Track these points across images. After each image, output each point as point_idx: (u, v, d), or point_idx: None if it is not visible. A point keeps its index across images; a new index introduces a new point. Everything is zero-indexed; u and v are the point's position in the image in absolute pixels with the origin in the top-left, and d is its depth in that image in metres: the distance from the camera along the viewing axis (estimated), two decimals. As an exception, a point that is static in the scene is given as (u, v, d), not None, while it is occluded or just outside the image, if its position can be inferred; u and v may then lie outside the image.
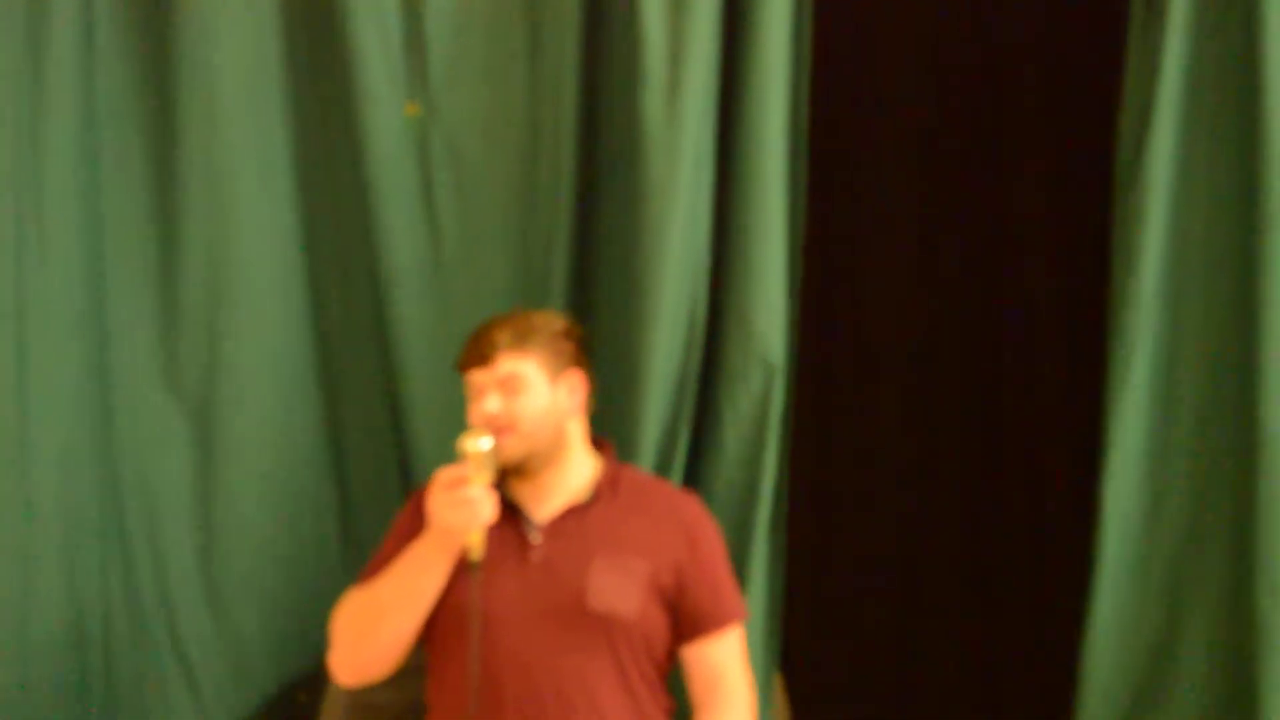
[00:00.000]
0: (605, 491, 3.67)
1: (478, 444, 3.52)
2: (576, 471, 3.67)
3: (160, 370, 5.95)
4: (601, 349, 5.81)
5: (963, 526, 7.57)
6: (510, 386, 3.61)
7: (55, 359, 5.82)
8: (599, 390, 5.82)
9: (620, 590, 3.60)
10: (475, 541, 3.50)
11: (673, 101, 5.46)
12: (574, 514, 3.63)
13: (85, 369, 5.88)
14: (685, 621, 3.69)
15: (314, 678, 5.92)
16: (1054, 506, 7.34)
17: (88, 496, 5.88)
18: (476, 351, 3.65)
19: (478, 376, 3.61)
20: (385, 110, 5.81)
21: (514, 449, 3.58)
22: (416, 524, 3.62)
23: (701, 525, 3.74)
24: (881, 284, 7.55)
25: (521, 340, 3.64)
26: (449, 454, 5.88)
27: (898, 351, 7.58)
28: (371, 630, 3.58)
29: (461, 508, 3.50)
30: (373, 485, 6.02)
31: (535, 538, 3.60)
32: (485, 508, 3.51)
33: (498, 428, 3.59)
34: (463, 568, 3.54)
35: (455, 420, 5.88)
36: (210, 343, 5.94)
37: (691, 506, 3.75)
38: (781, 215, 5.56)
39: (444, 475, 3.52)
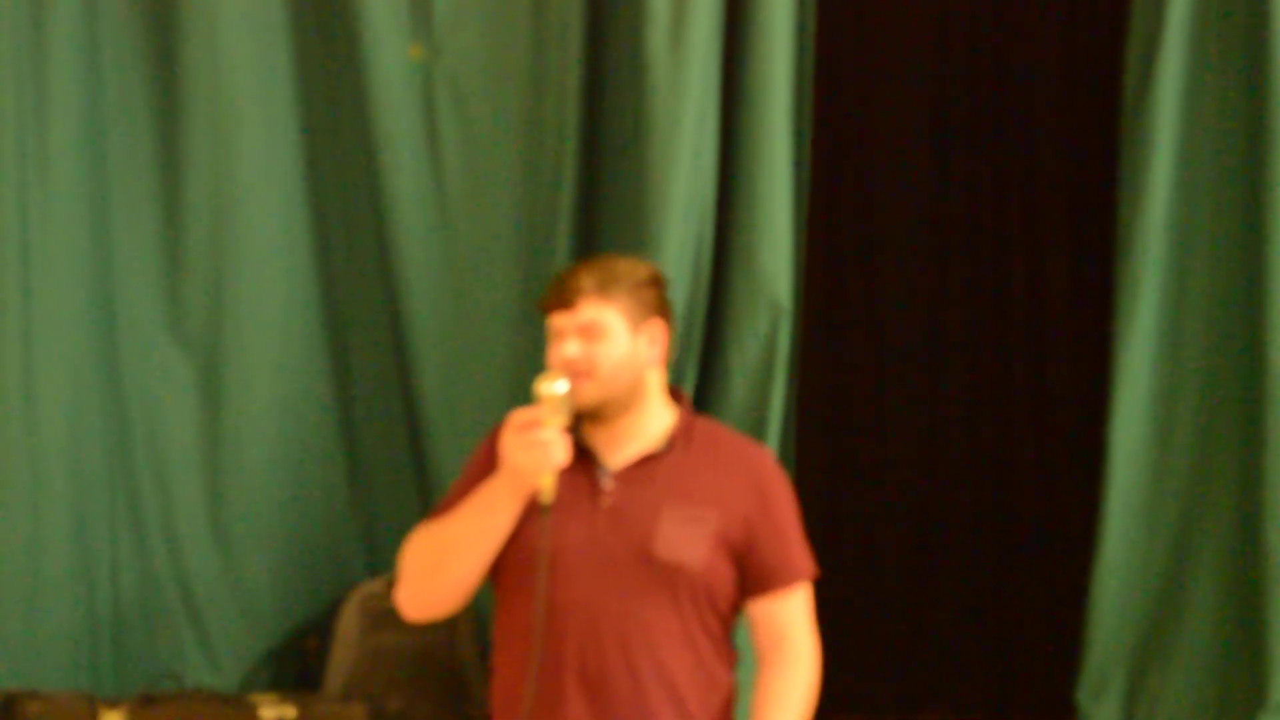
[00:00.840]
0: (679, 441, 3.62)
1: (553, 387, 3.46)
2: (652, 420, 3.62)
3: (165, 317, 5.95)
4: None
5: (972, 467, 7.57)
6: (591, 333, 3.55)
7: (61, 307, 5.81)
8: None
9: (688, 541, 3.57)
10: (546, 485, 3.46)
11: (677, 40, 5.44)
12: (647, 463, 3.59)
13: (91, 316, 5.88)
14: (752, 576, 3.65)
15: (323, 623, 5.93)
16: (1063, 445, 7.34)
17: (95, 444, 5.88)
18: (559, 295, 3.58)
19: (559, 320, 3.55)
20: (389, 53, 5.79)
21: (590, 394, 3.53)
22: (491, 462, 3.58)
23: (773, 480, 3.69)
24: (889, 222, 7.53)
25: (605, 287, 3.57)
26: (455, 397, 5.93)
27: (906, 292, 7.56)
28: (439, 567, 3.55)
29: (534, 450, 3.45)
30: (379, 429, 6.03)
31: (607, 484, 3.56)
32: (558, 451, 3.46)
33: (575, 372, 3.54)
34: (533, 509, 3.51)
35: (461, 362, 5.92)
36: (215, 289, 5.94)
37: (764, 461, 3.70)
38: (787, 154, 5.54)
39: (518, 417, 3.47)
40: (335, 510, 6.03)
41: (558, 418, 3.45)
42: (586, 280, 3.57)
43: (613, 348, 3.55)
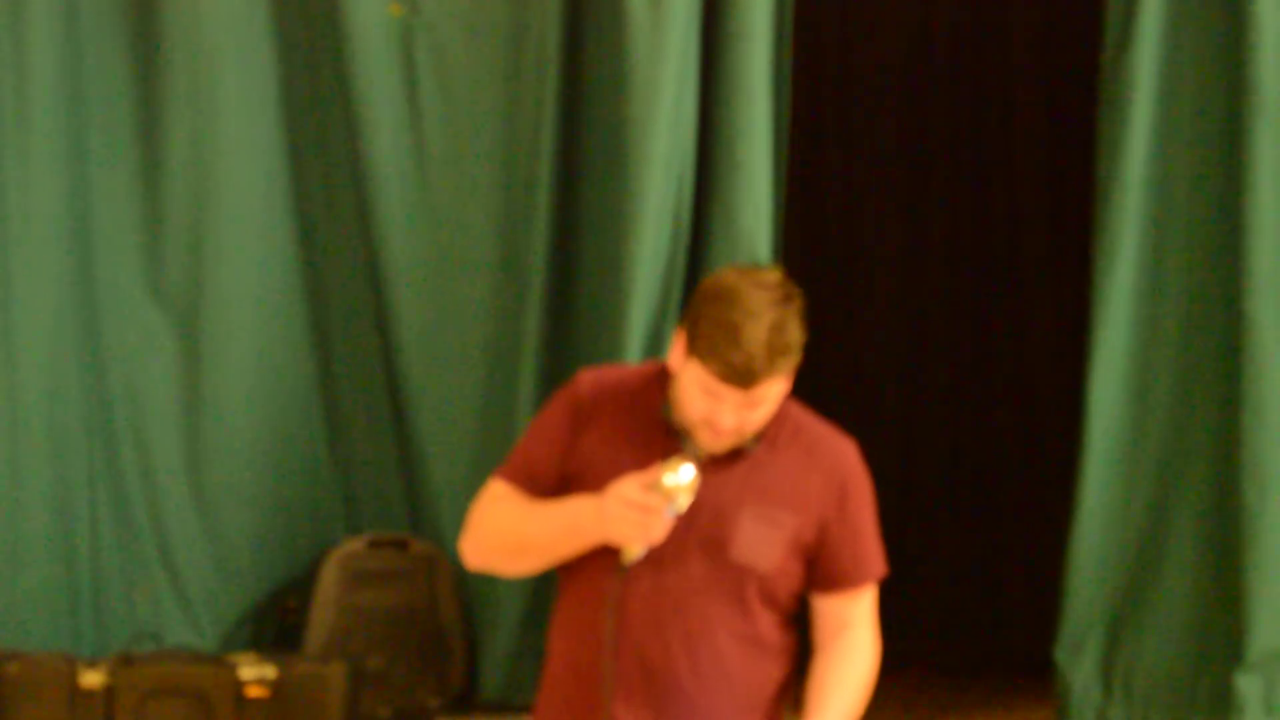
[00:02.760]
0: (769, 438, 3.59)
1: (678, 478, 3.40)
2: None
3: (145, 279, 5.93)
4: (587, 249, 5.82)
5: (951, 427, 7.59)
6: (755, 404, 3.51)
7: (39, 270, 5.79)
8: (587, 292, 5.84)
9: (763, 544, 3.53)
10: (633, 553, 3.43)
11: (657, -1, 5.46)
12: (735, 457, 3.56)
13: (70, 280, 5.85)
14: (822, 574, 3.61)
15: (302, 582, 5.93)
16: (1042, 405, 7.36)
17: (74, 404, 5.86)
18: (738, 374, 3.44)
19: (727, 392, 3.47)
20: (368, 8, 5.78)
21: (727, 444, 3.51)
22: (570, 420, 3.53)
23: (855, 478, 3.65)
24: (869, 182, 7.54)
25: (781, 362, 3.50)
26: (433, 353, 5.90)
27: (886, 249, 7.57)
28: (513, 554, 3.54)
29: (636, 529, 3.43)
30: (358, 387, 6.02)
31: None
32: (658, 532, 3.44)
33: (721, 431, 3.50)
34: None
35: (441, 319, 5.90)
36: (195, 250, 5.92)
37: (848, 457, 3.65)
38: (766, 112, 5.54)
39: (636, 497, 3.40)
40: (314, 469, 6.02)
41: (673, 504, 3.39)
42: (766, 362, 3.41)
43: (769, 409, 3.49)
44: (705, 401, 3.41)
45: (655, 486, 3.34)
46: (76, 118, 5.80)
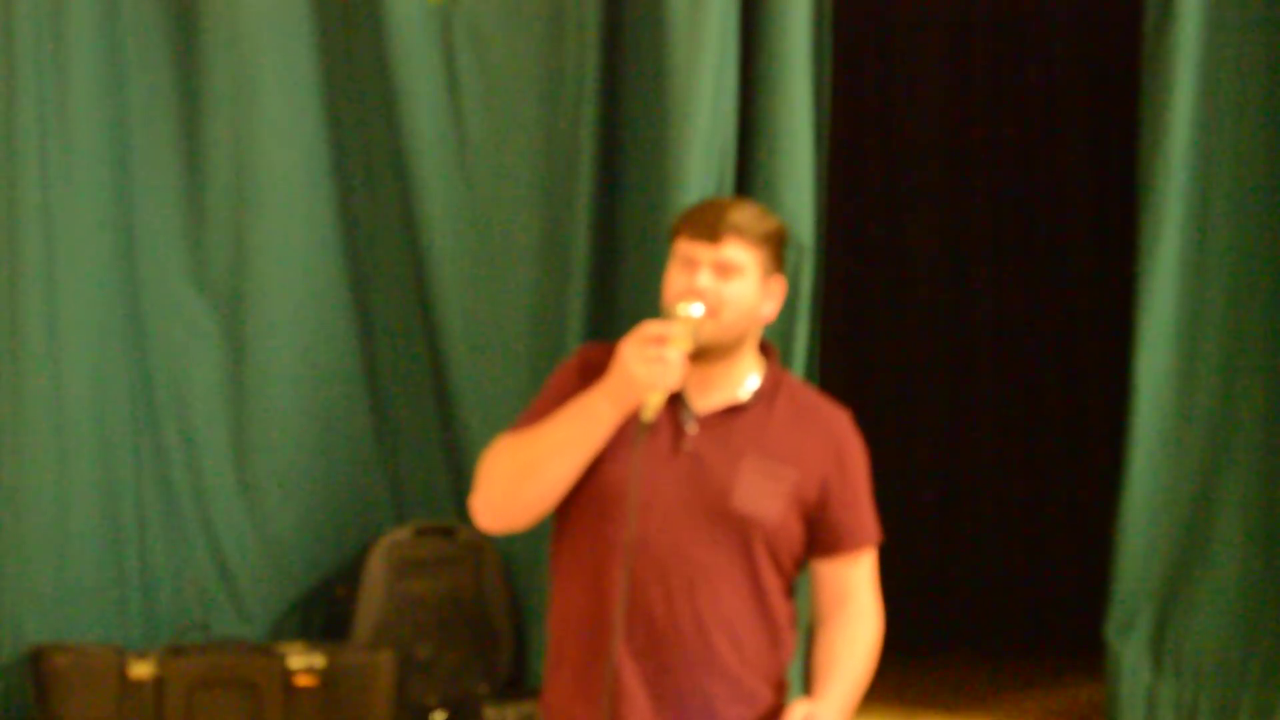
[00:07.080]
0: (765, 396, 3.62)
1: (689, 309, 3.47)
2: (743, 371, 3.61)
3: (188, 267, 5.95)
4: (629, 232, 5.82)
5: (998, 407, 7.58)
6: (728, 271, 3.53)
7: (84, 259, 5.80)
8: (630, 275, 5.85)
9: (765, 495, 3.55)
10: (653, 403, 3.45)
11: (697, -20, 5.45)
12: (732, 412, 3.58)
13: (113, 268, 5.87)
14: (822, 537, 3.64)
15: (350, 571, 5.94)
16: (1089, 384, 7.35)
17: (119, 394, 5.88)
18: (706, 225, 3.52)
19: (699, 250, 3.52)
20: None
21: (707, 332, 3.52)
22: (581, 378, 3.57)
23: (851, 443, 3.69)
24: (912, 162, 7.54)
25: (752, 229, 3.55)
26: (478, 339, 5.93)
27: (929, 228, 7.57)
28: (525, 475, 3.52)
29: (655, 365, 3.44)
30: (404, 374, 6.04)
31: (691, 428, 3.54)
32: (675, 373, 3.46)
33: (700, 294, 3.54)
34: (615, 444, 3.49)
35: (484, 306, 5.92)
36: (237, 238, 5.94)
37: (843, 422, 3.70)
38: (808, 92, 5.54)
39: (650, 328, 3.46)
40: (361, 457, 6.04)
41: (684, 341, 3.44)
42: (737, 217, 3.52)
43: (743, 291, 3.52)
44: (684, 277, 3.48)
45: (669, 315, 3.43)
46: (117, 111, 5.81)
